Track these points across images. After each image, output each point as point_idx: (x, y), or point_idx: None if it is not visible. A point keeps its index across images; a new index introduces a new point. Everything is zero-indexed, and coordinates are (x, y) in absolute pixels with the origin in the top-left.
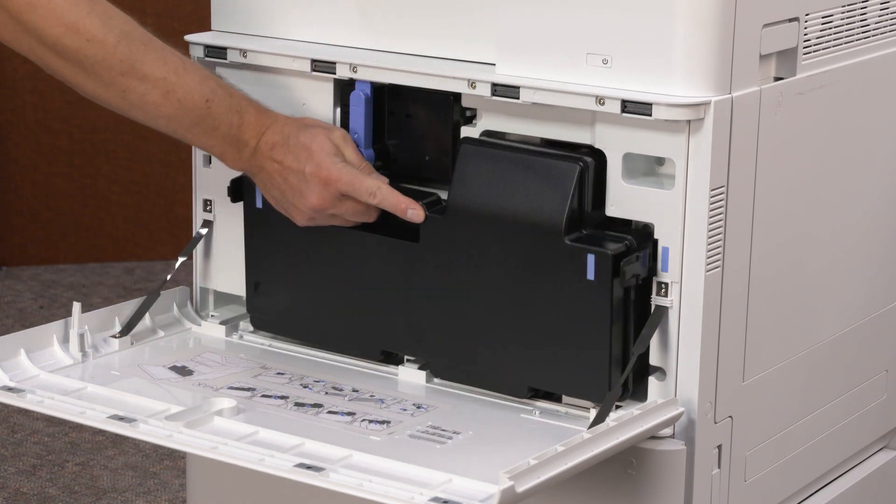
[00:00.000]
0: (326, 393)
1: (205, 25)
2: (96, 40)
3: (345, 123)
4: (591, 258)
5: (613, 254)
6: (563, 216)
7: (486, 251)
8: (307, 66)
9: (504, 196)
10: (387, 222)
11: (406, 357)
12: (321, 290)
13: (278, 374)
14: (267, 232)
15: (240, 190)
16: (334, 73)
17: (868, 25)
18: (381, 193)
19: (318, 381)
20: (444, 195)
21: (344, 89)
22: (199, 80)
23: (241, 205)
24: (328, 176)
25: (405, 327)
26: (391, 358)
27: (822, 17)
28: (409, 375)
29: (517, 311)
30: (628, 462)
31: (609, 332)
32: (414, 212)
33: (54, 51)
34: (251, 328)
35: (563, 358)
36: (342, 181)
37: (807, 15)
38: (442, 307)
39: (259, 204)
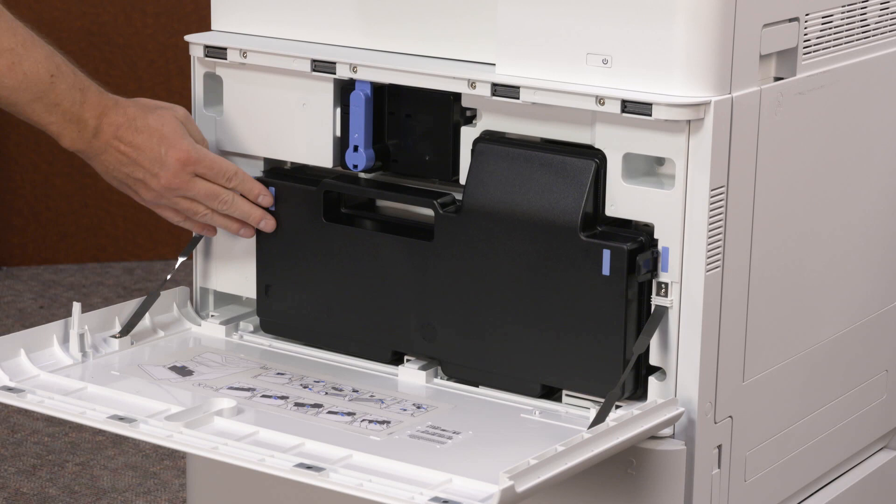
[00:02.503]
0: (326, 393)
1: (205, 25)
2: None
3: (345, 123)
4: (606, 253)
5: (629, 249)
6: (578, 212)
7: (501, 249)
8: (307, 66)
9: (519, 194)
10: (400, 223)
11: (406, 357)
12: (333, 292)
13: (278, 374)
14: (279, 235)
15: None
16: (334, 73)
17: (868, 25)
18: (238, 177)
19: (317, 382)
20: (445, 195)
21: (344, 89)
22: (46, 56)
23: None
24: (188, 157)
25: (418, 328)
26: (400, 359)
27: (822, 17)
28: (409, 375)
29: (531, 309)
30: (628, 462)
31: (624, 327)
32: (267, 222)
33: None
34: (251, 328)
35: (578, 355)
36: (202, 163)
37: (807, 15)
38: (455, 306)
39: (272, 207)
